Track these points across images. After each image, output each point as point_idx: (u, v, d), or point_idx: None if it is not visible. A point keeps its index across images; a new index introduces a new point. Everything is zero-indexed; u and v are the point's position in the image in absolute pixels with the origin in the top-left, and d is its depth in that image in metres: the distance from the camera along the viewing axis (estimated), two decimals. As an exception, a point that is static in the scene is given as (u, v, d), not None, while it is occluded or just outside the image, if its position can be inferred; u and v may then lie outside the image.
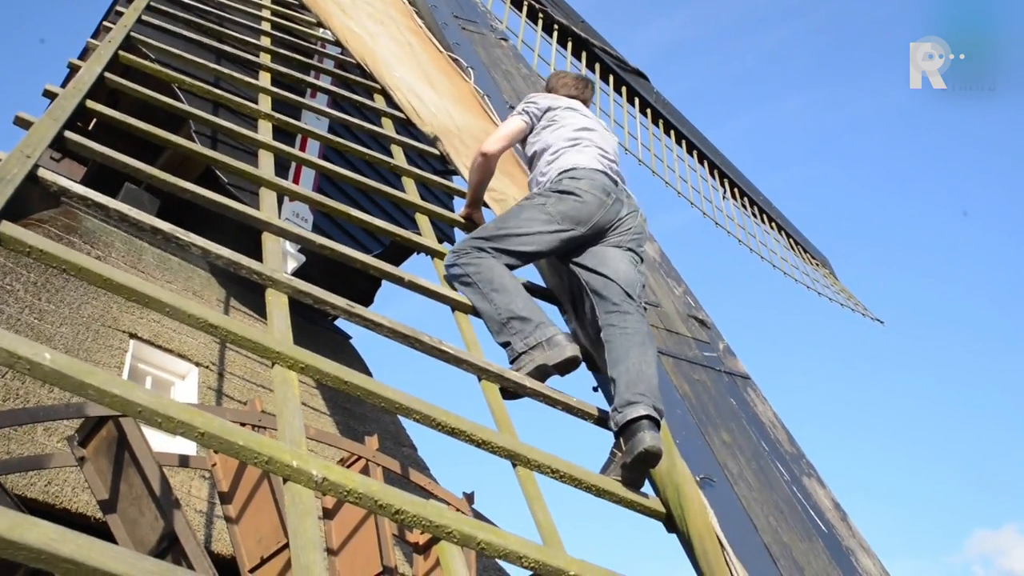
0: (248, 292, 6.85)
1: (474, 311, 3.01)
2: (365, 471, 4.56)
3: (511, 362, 2.83)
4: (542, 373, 2.78)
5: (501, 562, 6.23)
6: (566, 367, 2.81)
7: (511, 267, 3.05)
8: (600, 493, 2.47)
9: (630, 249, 3.10)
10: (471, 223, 3.64)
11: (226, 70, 4.60)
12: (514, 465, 2.37)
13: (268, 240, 2.93)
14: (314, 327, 7.47)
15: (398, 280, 3.08)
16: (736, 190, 10.75)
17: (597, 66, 9.34)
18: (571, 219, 3.03)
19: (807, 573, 2.69)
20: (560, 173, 3.18)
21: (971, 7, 9.41)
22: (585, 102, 3.66)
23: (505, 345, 2.87)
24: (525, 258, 3.07)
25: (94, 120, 3.33)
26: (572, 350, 2.80)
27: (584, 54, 9.27)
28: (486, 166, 3.48)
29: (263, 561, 4.15)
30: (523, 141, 3.51)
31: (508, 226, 3.07)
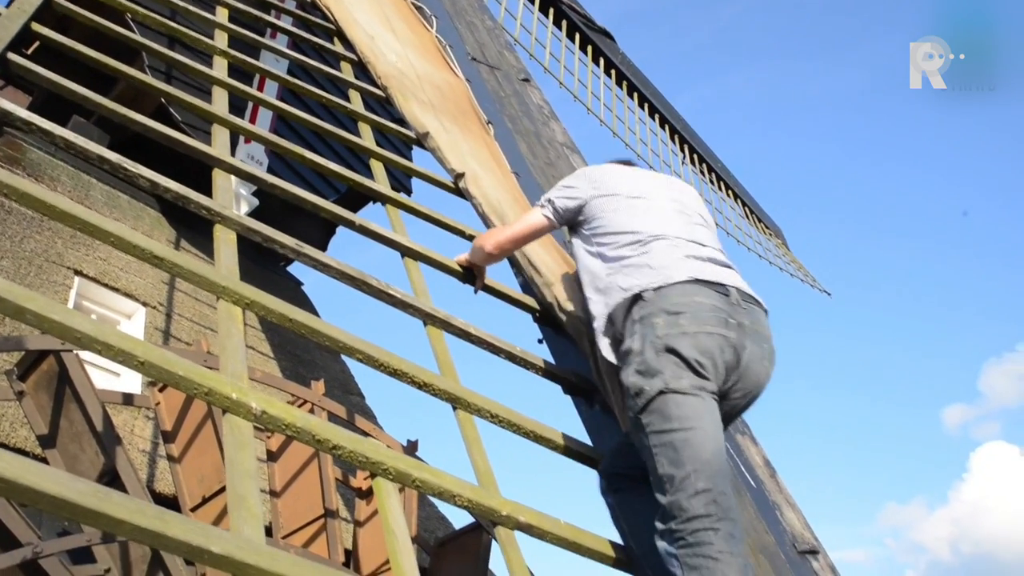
0: (198, 235, 6.76)
1: (425, 259, 3.01)
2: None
3: None
4: None
5: (441, 506, 6.33)
6: None
7: None
8: (538, 439, 2.52)
9: (742, 410, 2.37)
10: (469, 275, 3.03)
11: (182, 3, 4.49)
12: (454, 408, 2.41)
13: (219, 176, 2.89)
14: (266, 272, 7.42)
15: (349, 223, 3.07)
16: (695, 156, 10.82)
17: (564, 23, 9.26)
18: (709, 386, 2.22)
19: (734, 525, 2.78)
20: (645, 326, 2.24)
21: (971, 7, 9.52)
22: None
23: None
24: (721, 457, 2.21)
25: (42, 46, 3.23)
26: None
27: (551, 10, 9.18)
28: (488, 262, 2.92)
29: (204, 500, 4.16)
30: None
31: (685, 455, 2.12)
